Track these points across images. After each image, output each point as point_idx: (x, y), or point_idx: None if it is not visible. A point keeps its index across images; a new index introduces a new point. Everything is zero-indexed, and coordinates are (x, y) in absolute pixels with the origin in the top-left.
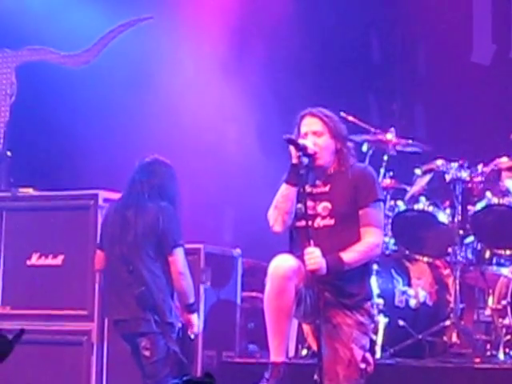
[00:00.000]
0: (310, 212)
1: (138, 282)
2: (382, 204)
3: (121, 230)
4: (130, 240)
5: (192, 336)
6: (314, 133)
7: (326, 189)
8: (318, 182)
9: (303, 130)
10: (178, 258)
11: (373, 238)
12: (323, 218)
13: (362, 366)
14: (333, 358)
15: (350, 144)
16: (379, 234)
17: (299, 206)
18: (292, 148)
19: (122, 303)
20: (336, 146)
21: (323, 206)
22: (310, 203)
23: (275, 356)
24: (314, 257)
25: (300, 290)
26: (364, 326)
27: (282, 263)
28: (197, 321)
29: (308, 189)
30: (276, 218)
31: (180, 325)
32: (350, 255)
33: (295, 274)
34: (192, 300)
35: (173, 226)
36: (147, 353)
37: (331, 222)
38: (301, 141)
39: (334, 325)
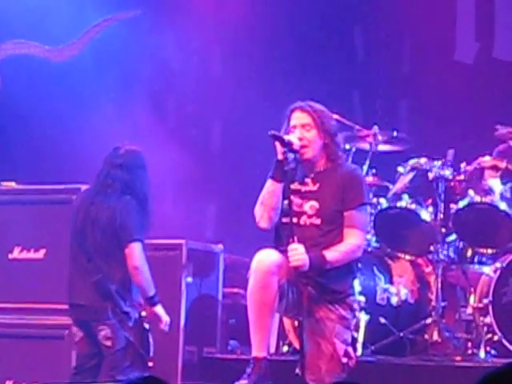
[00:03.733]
0: (296, 209)
1: (95, 271)
2: (368, 207)
3: (82, 222)
4: (90, 231)
5: (147, 326)
6: (302, 126)
7: (315, 188)
8: (306, 180)
9: (292, 123)
10: (133, 252)
11: (355, 240)
12: (310, 216)
13: (344, 360)
14: (315, 353)
15: (338, 139)
16: (362, 236)
17: (286, 202)
18: (277, 144)
19: (82, 289)
20: (324, 141)
21: (310, 205)
22: (297, 201)
23: (257, 351)
24: (298, 253)
25: (283, 285)
26: (346, 320)
27: (266, 257)
28: (162, 312)
29: (297, 186)
30: (262, 215)
31: (137, 315)
32: (332, 254)
33: (278, 268)
34: (151, 293)
35: (130, 221)
36: (108, 342)
37: (317, 221)
38: (286, 137)
39: (317, 319)
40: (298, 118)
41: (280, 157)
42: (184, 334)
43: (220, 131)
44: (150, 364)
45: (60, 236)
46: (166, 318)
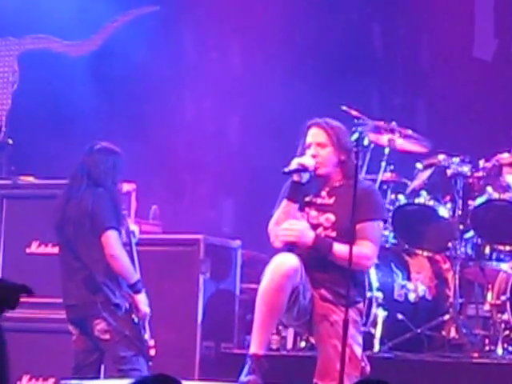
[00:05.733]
0: (312, 221)
1: (83, 267)
2: (381, 224)
3: (61, 219)
4: (70, 227)
5: (136, 319)
6: (317, 144)
7: (331, 201)
8: (322, 193)
9: (308, 140)
10: (108, 240)
11: (366, 250)
12: (325, 228)
13: (362, 364)
14: (332, 357)
15: (353, 156)
16: (373, 249)
17: (299, 214)
18: (294, 175)
19: (72, 289)
20: (340, 158)
21: (326, 217)
22: (313, 213)
23: (257, 349)
24: (293, 229)
25: (296, 290)
26: (358, 324)
27: (286, 261)
28: (144, 300)
29: (312, 198)
30: (277, 235)
31: (127, 305)
32: (340, 247)
33: (296, 273)
34: (133, 280)
35: (102, 210)
36: (106, 336)
37: (333, 234)
38: (298, 160)
39: (332, 322)
40: (314, 135)
41: (296, 178)
42: (201, 330)
43: (238, 126)
44: (152, 353)
45: None
46: (145, 309)
